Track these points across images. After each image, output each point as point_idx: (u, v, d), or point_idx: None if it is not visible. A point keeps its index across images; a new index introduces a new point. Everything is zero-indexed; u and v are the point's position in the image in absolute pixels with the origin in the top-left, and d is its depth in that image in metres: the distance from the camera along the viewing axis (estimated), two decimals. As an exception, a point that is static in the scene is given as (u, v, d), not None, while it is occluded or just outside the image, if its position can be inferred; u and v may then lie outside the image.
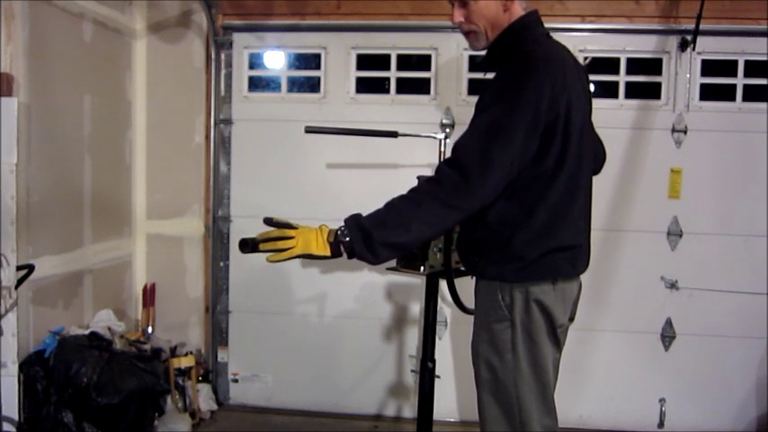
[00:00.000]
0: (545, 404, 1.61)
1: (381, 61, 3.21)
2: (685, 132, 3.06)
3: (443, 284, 2.15)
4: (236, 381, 3.37)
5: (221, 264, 3.34)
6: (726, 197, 3.06)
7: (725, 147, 3.05)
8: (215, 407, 3.24)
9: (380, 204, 1.48)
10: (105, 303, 3.03)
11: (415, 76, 3.21)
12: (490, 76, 1.68)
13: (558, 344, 1.64)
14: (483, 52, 1.73)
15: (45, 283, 2.64)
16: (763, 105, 3.02)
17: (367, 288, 3.24)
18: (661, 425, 3.14)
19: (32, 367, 2.45)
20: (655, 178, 3.08)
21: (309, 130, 2.48)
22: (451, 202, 1.43)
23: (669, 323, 3.13)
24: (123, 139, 3.27)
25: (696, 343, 3.11)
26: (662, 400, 3.14)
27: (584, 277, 1.72)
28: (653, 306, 3.12)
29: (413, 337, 3.25)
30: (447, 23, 1.72)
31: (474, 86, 3.14)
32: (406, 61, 3.21)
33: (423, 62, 3.20)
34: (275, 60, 3.32)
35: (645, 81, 3.11)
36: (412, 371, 3.14)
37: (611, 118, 3.01)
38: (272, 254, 1.46)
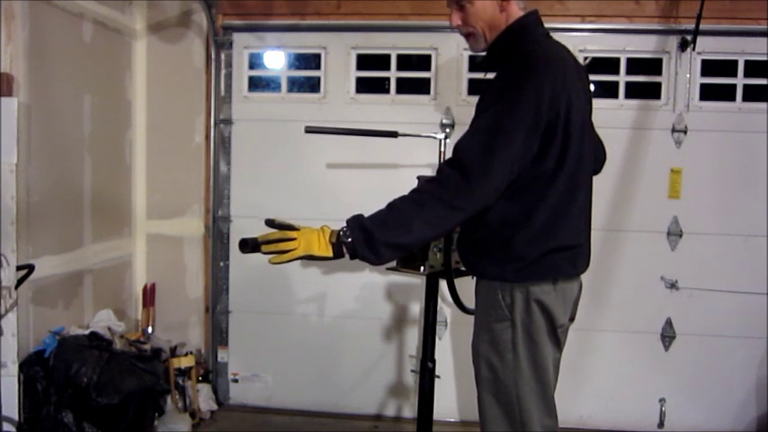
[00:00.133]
0: (545, 404, 1.61)
1: (381, 61, 3.21)
2: (685, 132, 3.06)
3: (443, 284, 2.15)
4: (236, 381, 3.37)
5: (221, 264, 3.34)
6: (726, 197, 3.06)
7: (725, 147, 3.05)
8: (215, 407, 3.24)
9: (381, 204, 1.48)
10: (105, 303, 3.03)
11: (414, 76, 3.21)
12: (490, 76, 1.68)
13: (558, 344, 1.64)
14: (483, 53, 1.73)
15: (45, 283, 2.64)
16: (763, 105, 3.02)
17: (367, 288, 3.24)
18: (661, 425, 3.14)
19: (32, 367, 2.45)
20: (655, 178, 3.08)
21: (309, 130, 2.48)
22: (453, 202, 1.44)
23: (669, 323, 3.13)
24: (123, 139, 3.27)
25: (696, 343, 3.11)
26: (662, 400, 3.14)
27: (584, 277, 1.72)
28: (653, 306, 3.12)
29: (413, 337, 3.25)
30: (447, 23, 1.72)
31: (474, 86, 3.14)
32: (406, 61, 3.21)
33: (423, 62, 3.20)
34: (275, 60, 3.32)
35: (645, 81, 3.11)
36: (412, 371, 3.14)
37: (611, 118, 3.01)
38: (274, 255, 1.46)
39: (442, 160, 2.50)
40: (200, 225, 3.35)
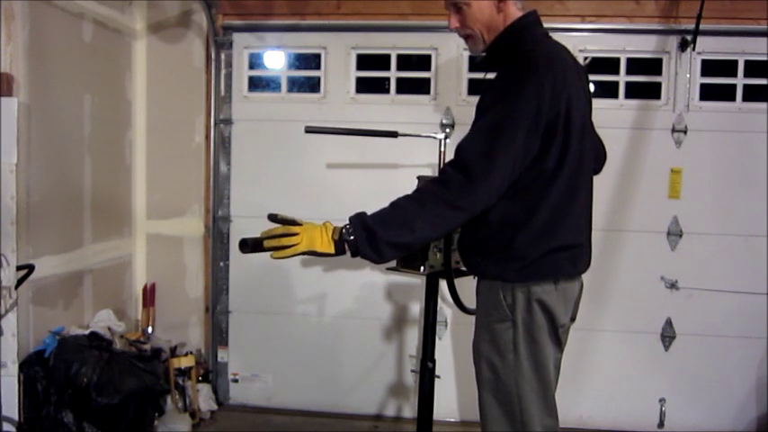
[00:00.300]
0: (546, 404, 1.61)
1: (381, 61, 3.21)
2: (685, 132, 3.06)
3: (443, 284, 2.15)
4: (236, 381, 3.37)
5: (221, 264, 3.34)
6: (726, 197, 3.06)
7: (725, 147, 3.05)
8: (215, 407, 3.24)
9: (380, 204, 1.49)
10: (105, 303, 3.03)
11: (414, 76, 3.21)
12: (490, 76, 1.68)
13: (559, 344, 1.64)
14: (483, 54, 1.73)
15: (45, 283, 2.64)
16: (763, 105, 3.02)
17: (367, 288, 3.24)
18: (661, 425, 3.14)
19: (32, 367, 2.45)
20: (655, 178, 3.08)
21: (309, 130, 2.48)
22: (456, 202, 1.44)
23: (669, 323, 3.13)
24: (123, 139, 3.27)
25: (696, 343, 3.11)
26: (662, 400, 3.14)
27: (584, 277, 1.72)
28: (653, 306, 3.12)
29: (413, 337, 3.25)
30: (447, 23, 1.72)
31: (474, 86, 3.14)
32: (406, 61, 3.21)
33: (423, 62, 3.20)
34: (275, 60, 3.32)
35: (645, 81, 3.11)
36: (412, 371, 3.14)
37: (611, 118, 3.01)
38: (276, 251, 1.46)
39: (442, 160, 2.50)
40: (200, 225, 3.35)
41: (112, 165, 3.18)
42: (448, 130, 3.11)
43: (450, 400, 3.20)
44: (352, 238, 1.45)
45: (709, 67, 3.07)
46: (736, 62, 3.05)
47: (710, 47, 3.03)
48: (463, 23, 1.67)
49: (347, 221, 1.47)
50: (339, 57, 3.21)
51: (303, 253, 1.46)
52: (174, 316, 3.37)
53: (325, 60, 3.23)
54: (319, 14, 3.17)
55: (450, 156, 1.53)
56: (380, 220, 1.45)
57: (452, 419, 3.22)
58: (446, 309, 3.13)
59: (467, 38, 1.71)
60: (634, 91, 3.10)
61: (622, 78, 3.11)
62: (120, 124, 3.23)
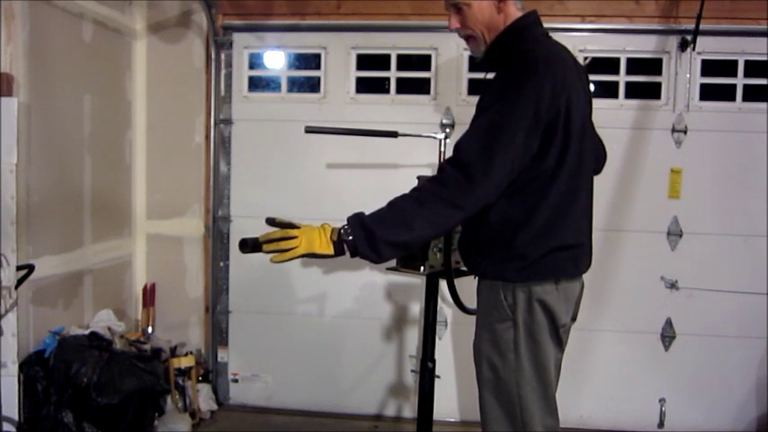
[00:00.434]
0: (547, 404, 1.61)
1: (381, 61, 3.21)
2: (685, 132, 3.06)
3: (443, 284, 2.15)
4: (236, 381, 3.37)
5: (221, 264, 3.34)
6: (726, 197, 3.06)
7: (725, 147, 3.05)
8: (215, 407, 3.24)
9: (381, 204, 1.49)
10: (105, 303, 3.03)
11: (414, 76, 3.21)
12: (490, 76, 1.68)
13: (560, 344, 1.64)
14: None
15: (45, 283, 2.64)
16: (763, 105, 3.02)
17: (367, 288, 3.24)
18: (661, 425, 3.14)
19: (32, 367, 2.45)
20: (655, 178, 3.08)
21: (309, 130, 2.48)
22: (454, 201, 1.44)
23: (669, 323, 3.13)
24: (123, 139, 3.27)
25: (696, 343, 3.11)
26: (662, 400, 3.14)
27: (584, 277, 1.72)
28: (653, 306, 3.12)
29: (413, 337, 3.25)
30: (447, 23, 1.72)
31: (474, 86, 3.14)
32: (406, 61, 3.21)
33: (423, 62, 3.20)
34: (275, 60, 3.32)
35: (645, 81, 3.11)
36: (412, 371, 3.14)
37: (611, 118, 3.01)
38: (275, 254, 1.46)
39: (442, 160, 2.50)
40: (200, 225, 3.34)
41: (112, 165, 3.18)
42: (448, 130, 3.11)
43: (451, 400, 3.20)
44: (350, 238, 1.45)
45: (709, 67, 3.07)
46: (736, 62, 3.05)
47: (710, 47, 3.03)
48: (463, 24, 1.67)
49: (345, 222, 1.47)
50: (339, 57, 3.21)
51: (302, 255, 1.46)
52: (174, 316, 3.37)
53: (325, 60, 3.23)
54: (319, 14, 3.17)
55: (449, 156, 1.53)
56: (379, 219, 1.45)
57: (452, 419, 3.22)
58: (446, 309, 3.13)
59: (467, 39, 1.71)
60: (634, 91, 3.10)
61: (622, 78, 3.11)
62: (120, 124, 3.23)
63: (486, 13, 1.64)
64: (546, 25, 1.69)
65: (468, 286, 1.91)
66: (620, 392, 3.16)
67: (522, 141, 1.47)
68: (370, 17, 3.14)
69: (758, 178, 3.03)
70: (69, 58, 2.80)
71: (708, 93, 3.07)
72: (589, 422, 3.19)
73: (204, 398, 3.17)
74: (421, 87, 3.19)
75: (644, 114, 3.08)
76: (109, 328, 2.82)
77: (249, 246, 1.49)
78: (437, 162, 2.54)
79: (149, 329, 3.24)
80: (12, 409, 2.26)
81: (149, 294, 3.30)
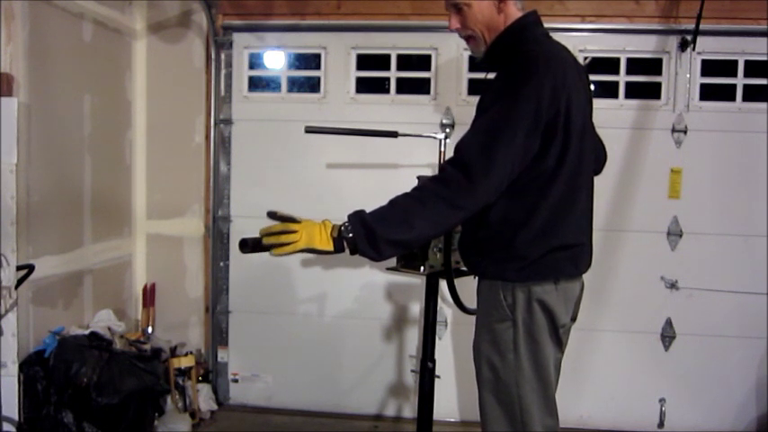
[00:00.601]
0: (546, 404, 1.61)
1: (381, 61, 3.21)
2: (685, 132, 3.06)
3: (443, 284, 2.15)
4: (236, 381, 3.37)
5: (221, 264, 3.34)
6: (726, 197, 3.06)
7: (725, 147, 3.05)
8: (215, 407, 3.24)
9: (381, 204, 1.49)
10: (105, 303, 3.03)
11: (414, 76, 3.21)
12: (490, 76, 1.68)
13: (559, 344, 1.64)
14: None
15: (45, 283, 2.64)
16: (763, 105, 3.02)
17: (367, 288, 3.24)
18: (661, 425, 3.14)
19: (32, 367, 2.45)
20: (655, 178, 3.08)
21: (309, 130, 2.48)
22: (455, 201, 1.44)
23: (669, 323, 3.13)
24: (123, 139, 3.27)
25: (696, 343, 3.11)
26: (662, 400, 3.14)
27: (584, 277, 1.72)
28: (653, 306, 3.12)
29: (413, 337, 3.25)
30: (447, 23, 1.72)
31: (474, 86, 3.14)
32: (406, 61, 3.21)
33: (423, 62, 3.20)
34: (275, 60, 3.32)
35: (645, 81, 3.11)
36: (412, 371, 3.14)
37: (611, 118, 3.01)
38: (275, 248, 1.46)
39: (442, 160, 2.50)
40: (200, 225, 3.35)
41: (112, 165, 3.18)
42: (448, 130, 3.11)
43: (451, 400, 3.20)
44: (351, 235, 1.45)
45: (709, 67, 3.07)
46: (736, 62, 3.05)
47: (710, 47, 3.03)
48: (464, 24, 1.68)
49: (346, 219, 1.47)
50: (339, 57, 3.21)
51: (302, 250, 1.47)
52: (174, 316, 3.37)
53: (325, 60, 3.23)
54: (319, 14, 3.17)
55: (449, 156, 1.53)
56: (379, 217, 1.45)
57: (452, 419, 3.22)
58: (446, 309, 3.13)
59: (468, 39, 1.71)
60: (634, 91, 3.10)
61: (622, 78, 3.11)
62: (120, 124, 3.23)
63: (486, 14, 1.64)
64: (546, 25, 1.69)
65: (468, 286, 1.90)
66: (620, 392, 3.16)
67: (522, 141, 1.47)
68: (370, 17, 3.14)
69: (758, 178, 3.03)
70: (69, 58, 2.80)
71: (708, 93, 3.07)
72: (589, 422, 3.19)
73: (204, 398, 3.17)
74: (421, 87, 3.19)
75: (644, 114, 3.08)
76: (109, 328, 2.82)
77: (249, 246, 1.49)
78: (437, 162, 2.54)
79: (149, 329, 3.24)
80: (12, 409, 2.26)
81: (149, 294, 3.30)
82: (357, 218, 1.46)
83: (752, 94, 3.05)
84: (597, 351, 3.14)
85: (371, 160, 3.20)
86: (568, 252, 1.61)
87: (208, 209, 3.31)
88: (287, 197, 3.24)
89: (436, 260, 2.12)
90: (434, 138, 2.50)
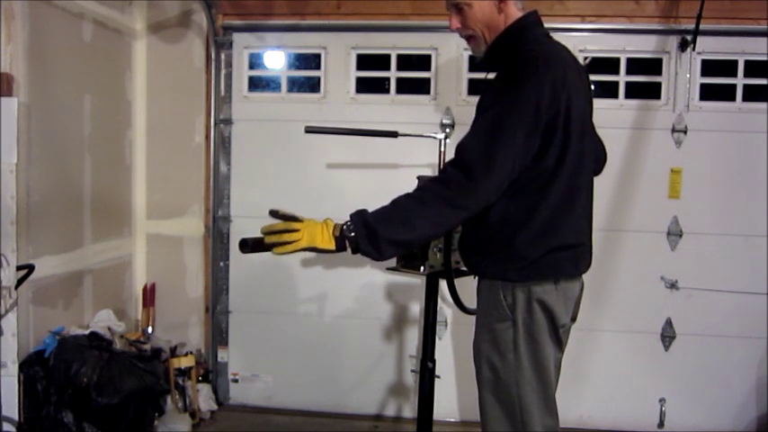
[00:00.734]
0: (546, 404, 1.61)
1: (381, 61, 3.21)
2: (685, 132, 3.06)
3: (443, 284, 2.15)
4: (236, 381, 3.37)
5: (221, 264, 3.34)
6: (726, 197, 3.06)
7: (725, 147, 3.05)
8: (215, 407, 3.24)
9: (381, 204, 1.49)
10: (105, 303, 3.03)
11: (415, 76, 3.21)
12: (491, 76, 1.69)
13: (559, 344, 1.64)
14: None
15: (45, 283, 2.64)
16: (763, 105, 3.02)
17: (367, 288, 3.24)
18: (661, 425, 3.14)
19: (32, 367, 2.45)
20: (655, 178, 3.08)
21: (309, 130, 2.48)
22: (456, 201, 1.45)
23: (669, 323, 3.13)
24: (123, 139, 3.27)
25: (696, 343, 3.11)
26: (662, 400, 3.14)
27: (584, 277, 1.72)
28: (653, 306, 3.12)
29: (413, 337, 3.24)
30: (447, 23, 1.73)
31: (474, 86, 3.14)
32: (406, 61, 3.21)
33: (423, 62, 3.20)
34: (275, 60, 3.32)
35: (645, 81, 3.11)
36: (412, 371, 3.14)
37: (611, 118, 3.01)
38: (277, 246, 1.47)
39: (441, 160, 2.50)
40: (200, 225, 3.34)
41: (112, 165, 3.18)
42: (448, 130, 3.11)
43: (450, 400, 3.20)
44: (352, 234, 1.46)
45: (709, 67, 3.07)
46: (736, 62, 3.05)
47: (710, 47, 3.03)
48: (464, 24, 1.68)
49: (348, 218, 1.48)
50: (339, 57, 3.21)
51: (304, 249, 1.47)
52: (174, 316, 3.37)
53: (325, 60, 3.23)
54: (319, 14, 3.17)
55: (450, 156, 1.53)
56: (381, 217, 1.46)
57: (452, 419, 3.22)
58: (446, 309, 3.13)
59: (469, 39, 1.72)
60: (634, 91, 3.10)
61: (622, 78, 3.11)
62: (120, 124, 3.23)
63: (486, 13, 1.64)
64: (546, 25, 1.69)
65: (468, 286, 1.90)
66: (620, 392, 3.16)
67: (522, 141, 1.47)
68: (370, 17, 3.14)
69: (758, 178, 3.03)
70: (69, 58, 2.80)
71: (708, 93, 3.07)
72: (589, 422, 3.19)
73: (204, 398, 3.17)
74: (421, 87, 3.19)
75: (644, 114, 3.08)
76: (109, 328, 2.82)
77: (249, 246, 1.49)
78: (437, 162, 2.54)
79: (149, 329, 3.24)
80: (12, 409, 2.26)
81: (149, 294, 3.30)
82: (359, 217, 1.47)
83: (752, 94, 3.05)
84: (597, 351, 3.14)
85: (371, 160, 3.20)
86: (568, 252, 1.61)
87: (208, 209, 3.31)
88: (287, 197, 3.24)
89: (436, 260, 2.11)
90: (434, 138, 2.50)
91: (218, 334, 3.35)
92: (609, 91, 3.10)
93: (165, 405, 2.93)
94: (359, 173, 3.22)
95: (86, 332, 2.70)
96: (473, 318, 1.74)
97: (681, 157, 3.07)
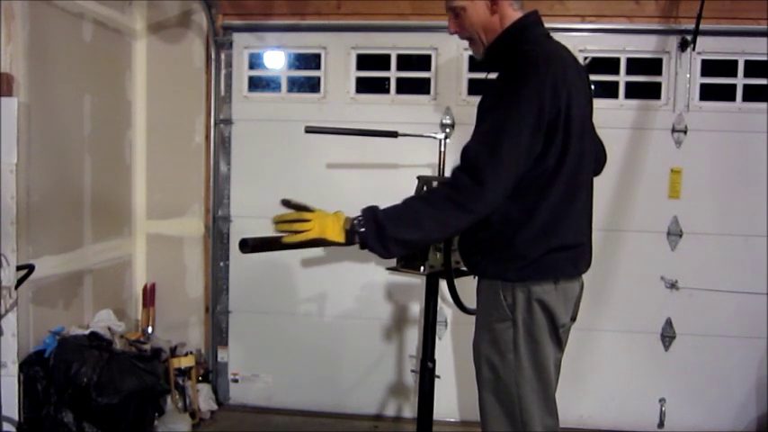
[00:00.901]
0: (546, 404, 1.61)
1: (381, 61, 3.21)
2: (685, 132, 3.06)
3: (443, 284, 2.15)
4: (236, 381, 3.37)
5: (221, 264, 3.34)
6: (726, 197, 3.06)
7: (725, 147, 3.05)
8: (215, 407, 3.24)
9: (380, 204, 1.50)
10: (105, 303, 3.03)
11: (415, 76, 3.21)
12: (491, 76, 1.69)
13: (559, 344, 1.64)
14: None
15: (45, 283, 2.64)
16: (763, 105, 3.02)
17: (367, 288, 3.24)
18: (661, 425, 3.14)
19: (32, 367, 2.45)
20: (655, 178, 3.08)
21: (309, 130, 2.48)
22: (466, 205, 1.46)
23: (669, 323, 3.13)
24: (123, 139, 3.27)
25: (696, 343, 3.11)
26: (662, 400, 3.14)
27: (584, 277, 1.72)
28: (653, 306, 3.12)
29: (413, 337, 3.25)
30: (447, 23, 1.73)
31: (474, 86, 3.14)
32: (406, 61, 3.21)
33: (423, 62, 3.20)
34: (275, 60, 3.32)
35: (645, 81, 3.11)
36: (412, 371, 3.14)
37: (611, 118, 3.01)
38: (287, 235, 1.49)
39: (442, 160, 2.50)
40: (200, 225, 3.34)
41: (112, 165, 3.18)
42: (448, 130, 3.11)
43: (450, 400, 3.20)
44: (362, 230, 1.47)
45: (709, 67, 3.07)
46: (736, 62, 3.05)
47: (710, 47, 3.03)
48: (462, 27, 1.70)
49: (359, 213, 1.50)
50: (339, 57, 3.21)
51: (313, 239, 1.49)
52: (174, 316, 3.37)
53: (325, 60, 3.23)
54: (319, 14, 3.17)
55: (449, 156, 1.54)
56: (391, 216, 1.47)
57: (452, 419, 3.22)
58: (446, 309, 3.13)
59: (469, 41, 1.73)
60: (634, 91, 3.10)
61: (622, 78, 3.11)
62: (120, 124, 3.23)
63: (480, 16, 1.66)
64: (546, 25, 1.69)
65: (468, 286, 1.91)
66: (620, 392, 3.16)
67: (527, 141, 1.48)
68: (370, 17, 3.14)
69: (758, 178, 3.03)
70: (69, 58, 2.80)
71: (708, 93, 3.07)
72: (589, 422, 3.19)
73: (204, 398, 3.17)
74: (421, 87, 3.19)
75: (644, 114, 3.08)
76: (109, 328, 2.82)
77: (249, 246, 1.49)
78: (437, 162, 2.54)
79: (149, 329, 3.24)
80: (12, 409, 2.26)
81: (149, 294, 3.30)
82: (370, 213, 1.48)
83: (752, 94, 3.05)
84: (597, 351, 3.14)
85: (371, 160, 3.20)
86: (568, 252, 1.61)
87: (208, 209, 3.31)
88: (287, 197, 3.22)
89: (436, 260, 2.12)
90: (434, 138, 2.50)
91: (217, 334, 3.36)
92: (609, 91, 3.10)
93: (165, 405, 2.93)
94: (359, 173, 3.22)
95: (86, 332, 2.70)
96: (473, 318, 1.74)
97: (681, 157, 3.07)
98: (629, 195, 3.09)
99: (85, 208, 2.95)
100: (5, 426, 2.25)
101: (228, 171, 3.32)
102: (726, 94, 3.06)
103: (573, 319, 1.70)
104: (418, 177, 2.31)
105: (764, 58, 3.01)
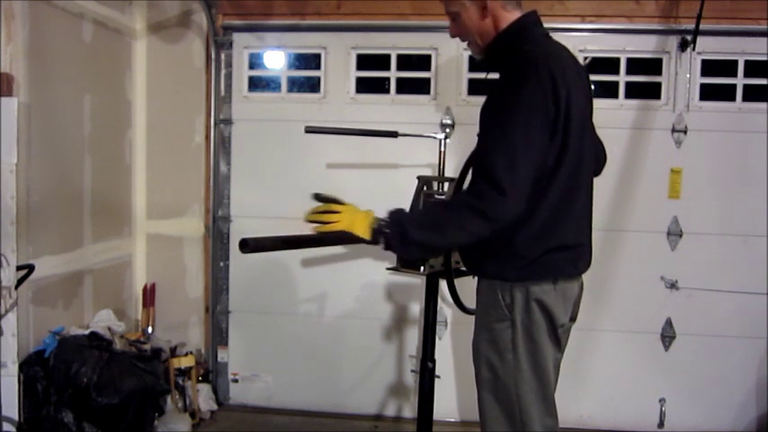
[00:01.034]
0: (546, 404, 1.61)
1: (381, 61, 3.21)
2: (685, 132, 3.06)
3: (443, 284, 2.16)
4: (236, 381, 3.37)
5: (221, 264, 3.34)
6: (726, 197, 3.06)
7: (725, 147, 3.05)
8: (215, 407, 3.24)
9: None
10: (105, 303, 3.03)
11: (415, 76, 3.21)
12: (492, 76, 1.69)
13: (558, 344, 1.64)
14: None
15: (45, 283, 2.64)
16: (763, 105, 3.02)
17: (367, 288, 3.24)
18: (661, 425, 3.14)
19: (32, 367, 2.45)
20: (655, 178, 3.08)
21: (309, 130, 2.49)
22: (488, 214, 1.46)
23: (669, 323, 3.13)
24: (123, 139, 3.27)
25: (696, 343, 3.11)
26: (662, 400, 3.14)
27: (584, 277, 1.72)
28: (653, 306, 3.12)
29: (413, 337, 3.25)
30: (447, 24, 1.74)
31: (474, 86, 3.14)
32: (406, 61, 3.21)
33: (423, 62, 3.20)
34: (275, 60, 3.32)
35: (645, 81, 3.11)
36: (412, 371, 3.14)
37: (611, 118, 3.00)
38: (317, 225, 1.57)
39: (442, 160, 2.51)
40: (200, 225, 3.34)
41: (112, 165, 3.18)
42: (448, 130, 3.11)
43: (450, 400, 3.20)
44: (388, 231, 1.52)
45: (709, 67, 3.07)
46: (736, 62, 3.05)
47: (710, 47, 3.03)
48: (460, 31, 1.72)
49: (386, 214, 1.55)
50: (339, 57, 3.21)
51: (341, 232, 1.55)
52: (174, 316, 3.37)
53: (325, 60, 3.23)
54: (319, 14, 3.17)
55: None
56: (416, 221, 1.54)
57: (452, 419, 3.22)
58: (446, 309, 3.13)
59: (468, 44, 1.75)
60: (634, 91, 3.10)
61: (622, 78, 3.11)
62: (120, 124, 3.23)
63: (474, 19, 1.67)
64: (546, 25, 1.69)
65: (468, 286, 1.91)
66: (620, 392, 3.16)
67: (538, 144, 1.49)
68: (370, 17, 3.13)
69: (758, 178, 3.03)
70: (69, 58, 2.80)
71: (708, 93, 3.07)
72: (589, 422, 3.19)
73: (204, 398, 3.17)
74: (421, 87, 3.19)
75: (644, 114, 3.08)
76: (109, 328, 2.82)
77: (249, 246, 1.50)
78: (437, 162, 2.54)
79: (149, 329, 3.24)
80: (12, 409, 2.26)
81: (149, 294, 3.30)
82: (396, 216, 1.54)
83: (752, 94, 3.05)
84: (597, 351, 3.14)
85: (371, 160, 3.20)
86: (568, 252, 1.61)
87: (208, 209, 3.31)
88: (287, 197, 3.23)
89: (436, 260, 2.12)
90: (434, 138, 2.51)
91: (217, 334, 3.36)
92: (609, 91, 3.10)
93: (165, 405, 2.93)
94: (359, 173, 3.22)
95: (86, 332, 2.70)
96: (473, 318, 1.74)
97: (681, 157, 3.07)
98: (629, 195, 3.09)
99: (85, 208, 2.95)
100: (5, 426, 2.25)
101: (228, 171, 3.32)
102: (726, 94, 3.06)
103: (573, 319, 1.70)
104: (418, 177, 2.32)
105: (764, 58, 3.01)
